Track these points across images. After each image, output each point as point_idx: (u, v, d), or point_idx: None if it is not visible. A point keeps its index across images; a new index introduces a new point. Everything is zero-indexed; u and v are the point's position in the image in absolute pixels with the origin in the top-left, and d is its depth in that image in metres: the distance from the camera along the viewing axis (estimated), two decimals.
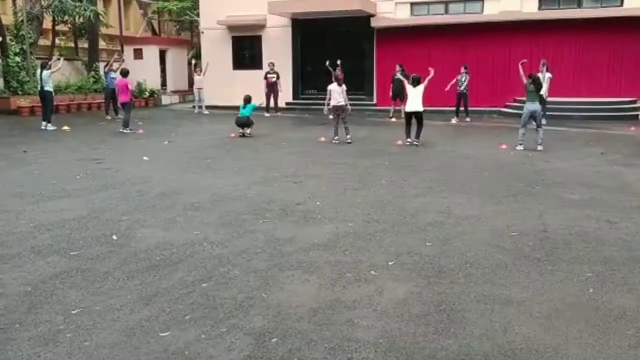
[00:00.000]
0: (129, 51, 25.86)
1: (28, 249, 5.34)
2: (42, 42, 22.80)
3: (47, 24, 22.44)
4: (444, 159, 10.60)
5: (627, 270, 4.80)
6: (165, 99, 25.52)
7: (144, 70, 24.17)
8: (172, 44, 27.89)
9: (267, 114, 19.19)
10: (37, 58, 20.87)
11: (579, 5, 18.85)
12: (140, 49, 25.69)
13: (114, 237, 5.73)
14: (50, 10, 21.27)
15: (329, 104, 13.01)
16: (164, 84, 26.68)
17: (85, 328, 3.76)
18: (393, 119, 17.54)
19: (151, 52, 25.80)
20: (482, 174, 9.10)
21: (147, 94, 24.28)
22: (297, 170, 9.51)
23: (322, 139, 13.23)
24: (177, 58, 27.32)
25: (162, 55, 26.47)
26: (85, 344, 3.55)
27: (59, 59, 17.69)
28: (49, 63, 15.80)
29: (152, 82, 24.84)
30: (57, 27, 23.10)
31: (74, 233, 5.86)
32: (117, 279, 4.63)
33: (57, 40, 23.80)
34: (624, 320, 3.88)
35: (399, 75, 14.60)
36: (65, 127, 15.13)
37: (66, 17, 21.98)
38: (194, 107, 21.25)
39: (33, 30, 20.88)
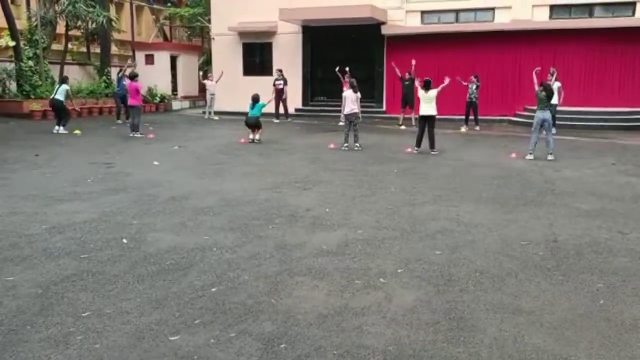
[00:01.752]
0: (140, 56, 26.05)
1: (39, 251, 5.38)
2: (55, 46, 23.01)
3: (61, 28, 22.65)
4: (454, 167, 10.58)
5: (638, 281, 4.76)
6: (176, 104, 25.66)
7: (155, 76, 24.33)
8: (183, 50, 28.06)
9: (276, 120, 19.26)
10: (50, 62, 21.08)
11: (591, 15, 18.81)
12: (152, 55, 25.89)
13: (124, 240, 5.76)
14: (63, 15, 21.49)
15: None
16: (174, 89, 26.85)
17: (95, 330, 3.78)
18: (402, 127, 17.53)
19: (162, 58, 25.98)
20: (491, 183, 9.07)
21: (158, 99, 24.42)
22: (306, 176, 9.53)
23: (332, 145, 13.24)
24: (188, 64, 27.49)
25: (173, 60, 26.65)
26: (95, 347, 3.57)
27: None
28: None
29: (163, 87, 24.99)
30: (70, 32, 23.32)
31: (85, 236, 5.90)
32: (128, 282, 4.65)
33: (69, 45, 24.03)
34: (635, 331, 3.85)
35: (414, 80, 14.62)
36: (77, 131, 15.25)
37: (79, 23, 22.19)
38: (204, 112, 21.39)
39: (46, 35, 21.09)
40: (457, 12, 20.11)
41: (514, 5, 19.14)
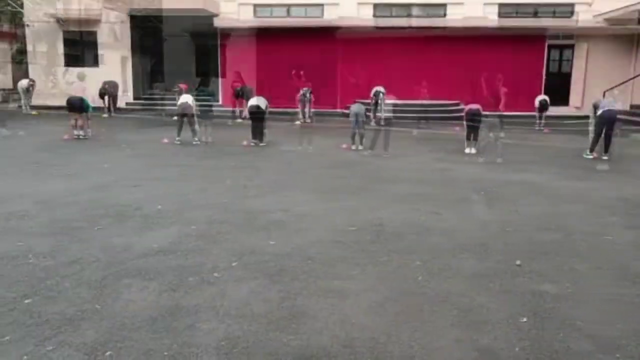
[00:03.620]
0: None
1: None
2: None
3: None
4: (287, 159, 10.81)
5: (450, 257, 5.26)
6: None
7: None
8: None
9: (104, 115, 18.13)
10: None
11: (409, 15, 20.36)
12: None
13: None
14: None
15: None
16: None
17: None
18: (239, 120, 17.50)
19: None
20: (323, 173, 9.42)
21: None
22: (137, 173, 9.08)
23: (165, 140, 12.79)
24: None
25: None
26: None
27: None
28: None
29: None
30: None
31: None
32: None
33: None
34: (447, 303, 4.24)
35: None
36: None
37: None
38: (19, 106, 19.38)
39: None
40: (288, 7, 20.52)
41: (342, 2, 20.02)
